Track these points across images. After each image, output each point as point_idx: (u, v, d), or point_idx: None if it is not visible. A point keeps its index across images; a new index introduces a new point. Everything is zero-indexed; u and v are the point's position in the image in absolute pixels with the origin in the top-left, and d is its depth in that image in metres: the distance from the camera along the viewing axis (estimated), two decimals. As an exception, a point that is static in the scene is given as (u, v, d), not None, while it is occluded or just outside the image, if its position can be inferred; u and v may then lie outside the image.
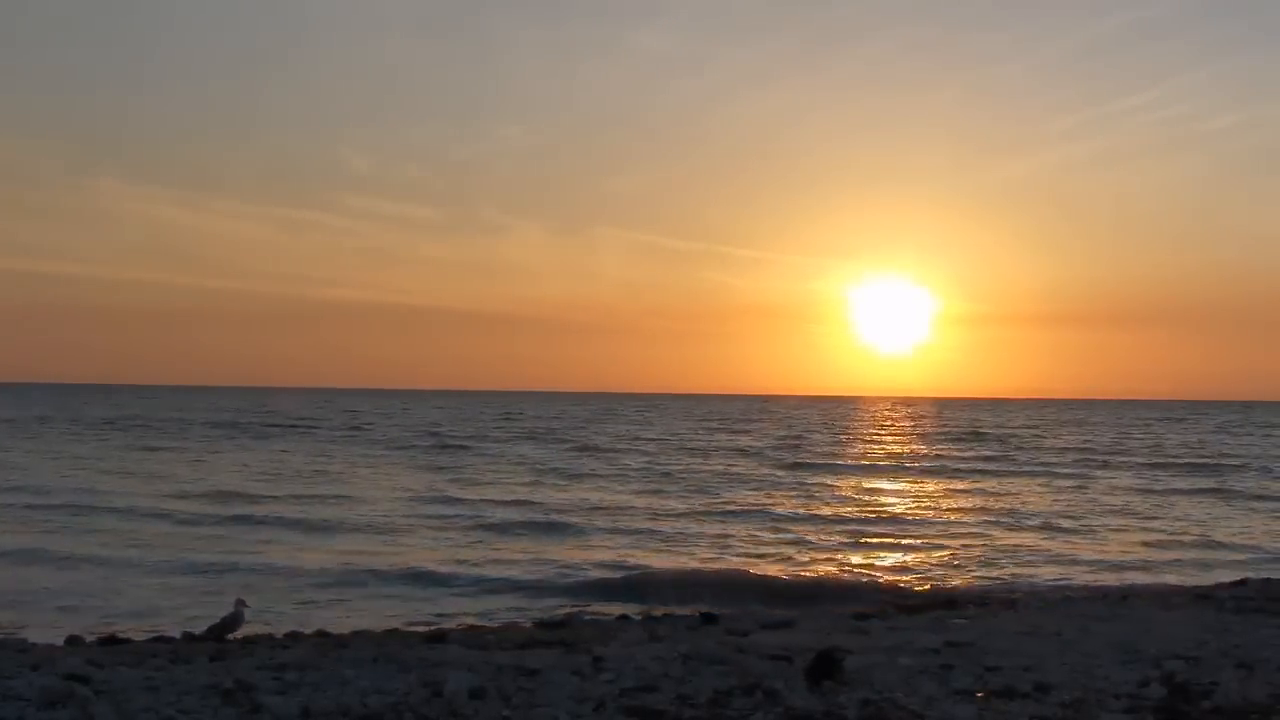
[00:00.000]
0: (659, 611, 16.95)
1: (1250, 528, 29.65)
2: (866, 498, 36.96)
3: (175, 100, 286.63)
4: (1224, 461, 53.41)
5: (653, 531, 27.38)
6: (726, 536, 26.68)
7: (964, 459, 55.32)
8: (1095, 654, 10.34)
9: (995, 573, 22.05)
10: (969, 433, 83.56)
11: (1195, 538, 27.35)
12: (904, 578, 21.63)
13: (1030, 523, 29.64)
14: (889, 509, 33.77)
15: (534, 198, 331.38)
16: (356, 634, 13.78)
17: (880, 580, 21.28)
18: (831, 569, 22.59)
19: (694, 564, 22.44)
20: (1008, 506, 33.60)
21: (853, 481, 43.16)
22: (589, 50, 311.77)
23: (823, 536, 27.06)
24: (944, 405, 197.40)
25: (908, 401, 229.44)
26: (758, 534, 27.27)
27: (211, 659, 10.51)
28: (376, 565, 21.67)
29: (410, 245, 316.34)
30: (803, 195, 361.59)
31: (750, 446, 63.58)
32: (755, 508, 32.74)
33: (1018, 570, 22.26)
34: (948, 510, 33.14)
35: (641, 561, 22.85)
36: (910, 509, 33.82)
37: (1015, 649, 10.64)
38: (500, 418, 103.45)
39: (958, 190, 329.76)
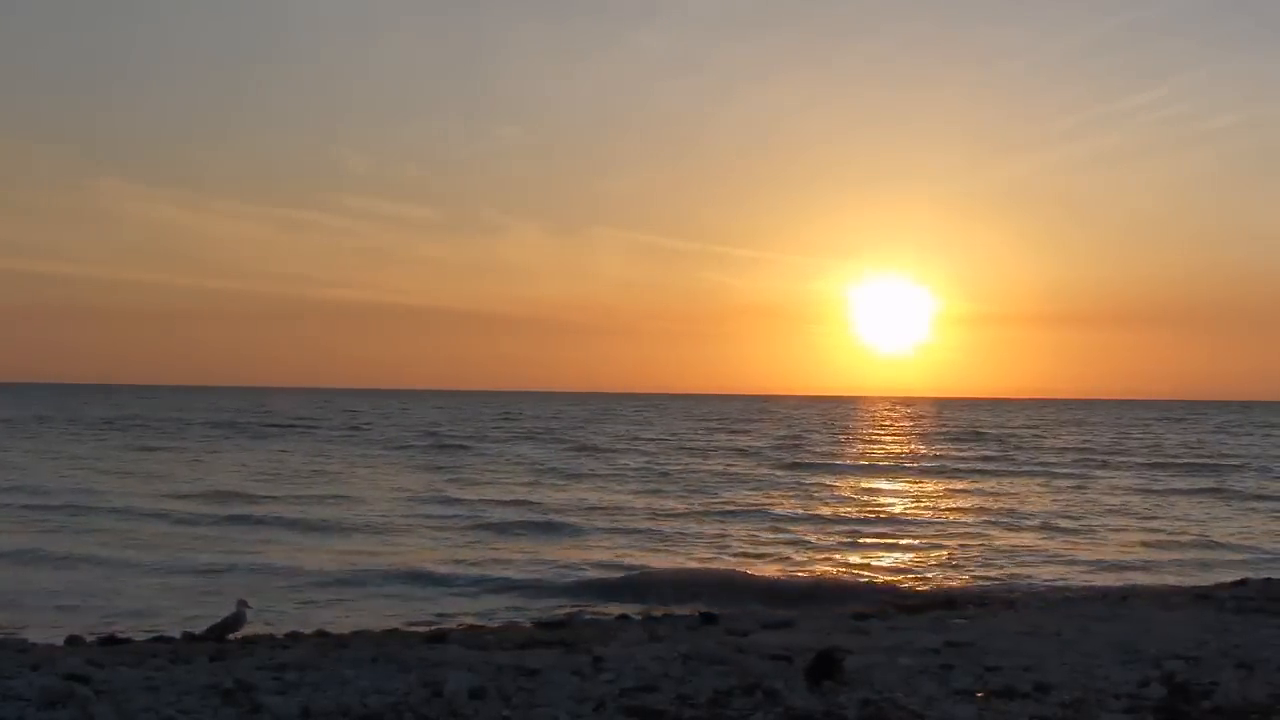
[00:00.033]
0: (659, 611, 16.95)
1: (1250, 528, 29.66)
2: (866, 498, 36.96)
3: (175, 100, 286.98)
4: (1224, 461, 53.43)
5: (652, 531, 27.38)
6: (726, 536, 26.68)
7: (963, 459, 55.32)
8: (1095, 654, 10.34)
9: (995, 573, 22.04)
10: (969, 433, 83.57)
11: (1195, 538, 27.36)
12: (904, 578, 21.63)
13: (1030, 523, 29.64)
14: (888, 509, 33.77)
15: (532, 197, 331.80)
16: (356, 634, 13.78)
17: (880, 580, 21.28)
18: (831, 569, 22.59)
19: (693, 564, 22.44)
20: (1007, 507, 33.60)
21: (852, 481, 43.16)
22: (588, 50, 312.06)
23: (822, 536, 27.06)
24: (944, 405, 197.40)
25: (907, 401, 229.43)
26: (757, 534, 27.26)
27: (211, 659, 10.51)
28: (376, 565, 21.67)
29: (409, 245, 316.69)
30: (802, 195, 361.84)
31: (749, 446, 63.58)
32: (754, 508, 32.74)
33: (1017, 570, 22.26)
34: (947, 510, 33.14)
35: (641, 561, 22.85)
36: (910, 509, 33.82)
37: (1015, 649, 10.64)
38: (499, 418, 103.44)
39: (958, 189, 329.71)
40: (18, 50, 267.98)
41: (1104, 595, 17.43)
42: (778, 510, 32.22)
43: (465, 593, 19.65)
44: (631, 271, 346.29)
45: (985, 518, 30.87)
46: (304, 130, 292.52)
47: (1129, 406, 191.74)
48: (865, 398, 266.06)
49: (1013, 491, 38.60)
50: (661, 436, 73.50)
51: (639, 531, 27.39)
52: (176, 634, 14.11)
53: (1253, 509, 34.02)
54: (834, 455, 58.52)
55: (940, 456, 57.63)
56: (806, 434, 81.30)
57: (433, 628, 14.93)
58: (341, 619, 16.32)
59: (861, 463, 53.31)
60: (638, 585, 19.98)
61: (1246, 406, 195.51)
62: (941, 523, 30.04)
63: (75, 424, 78.12)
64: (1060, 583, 20.61)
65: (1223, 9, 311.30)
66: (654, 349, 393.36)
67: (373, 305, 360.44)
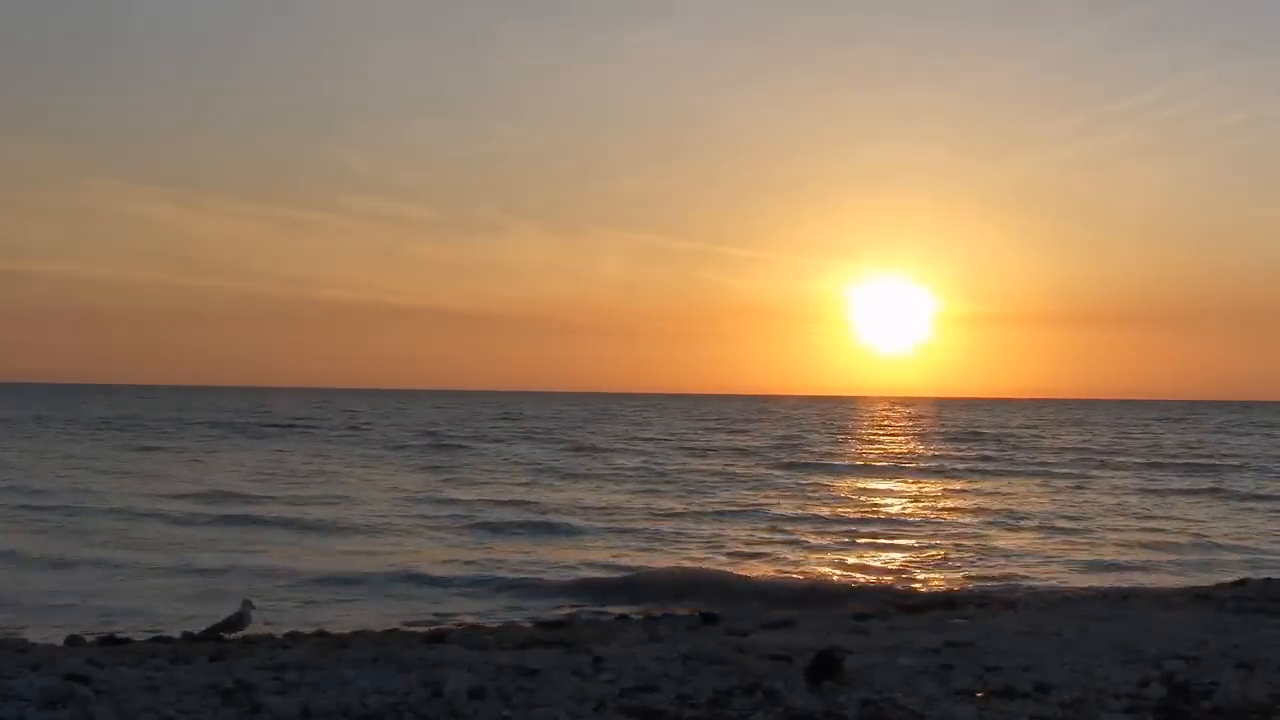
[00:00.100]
0: (658, 611, 16.96)
1: (1249, 528, 29.67)
2: (865, 498, 36.97)
3: (174, 100, 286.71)
4: (1223, 461, 53.45)
5: (651, 531, 27.39)
6: (725, 536, 26.68)
7: (963, 459, 55.34)
8: (1095, 654, 10.34)
9: (995, 573, 22.05)
10: (968, 433, 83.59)
11: (1195, 538, 27.36)
12: (904, 578, 21.63)
13: (1029, 523, 29.66)
14: (888, 509, 33.78)
15: (532, 198, 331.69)
16: (356, 634, 13.78)
17: (880, 580, 21.28)
18: (830, 569, 22.60)
19: (693, 564, 22.43)
20: (1007, 507, 33.61)
21: (851, 482, 43.17)
22: (588, 50, 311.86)
23: (821, 537, 27.06)
24: (944, 405, 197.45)
25: (907, 402, 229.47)
26: (756, 534, 27.27)
27: (211, 659, 10.50)
28: (376, 565, 21.66)
29: (409, 245, 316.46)
30: (802, 195, 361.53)
31: (748, 446, 63.59)
32: (753, 508, 32.74)
33: (1017, 570, 22.27)
34: (947, 510, 33.15)
35: (640, 561, 22.86)
36: (909, 509, 33.83)
37: (1015, 649, 10.64)
38: (498, 417, 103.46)
39: (959, 189, 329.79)
40: (18, 50, 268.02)
41: (1104, 595, 17.43)
42: (777, 510, 32.21)
43: (465, 593, 19.65)
44: (632, 271, 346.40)
45: (985, 518, 30.88)
46: (304, 130, 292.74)
47: (1129, 406, 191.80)
48: (865, 398, 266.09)
49: (1012, 492, 38.61)
50: (660, 436, 73.51)
51: (638, 531, 27.40)
52: (176, 634, 14.11)
53: (1252, 509, 34.04)
54: (833, 455, 58.53)
55: (940, 456, 57.64)
56: (806, 434, 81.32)
57: (433, 628, 14.92)
58: (341, 619, 16.32)
59: (861, 463, 53.31)
60: (636, 585, 19.99)
61: (1247, 406, 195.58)
62: (941, 523, 30.04)
63: (73, 424, 78.11)
64: (1060, 583, 20.63)
65: (1225, 8, 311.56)
66: (654, 349, 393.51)
67: (373, 305, 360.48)
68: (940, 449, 64.48)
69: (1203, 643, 10.95)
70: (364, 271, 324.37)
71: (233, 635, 13.03)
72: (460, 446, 59.82)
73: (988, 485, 41.19)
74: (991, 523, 29.81)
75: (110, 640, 13.51)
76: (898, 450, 63.85)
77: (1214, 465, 51.03)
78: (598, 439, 68.88)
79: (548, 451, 57.20)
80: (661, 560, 23.03)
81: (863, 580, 21.22)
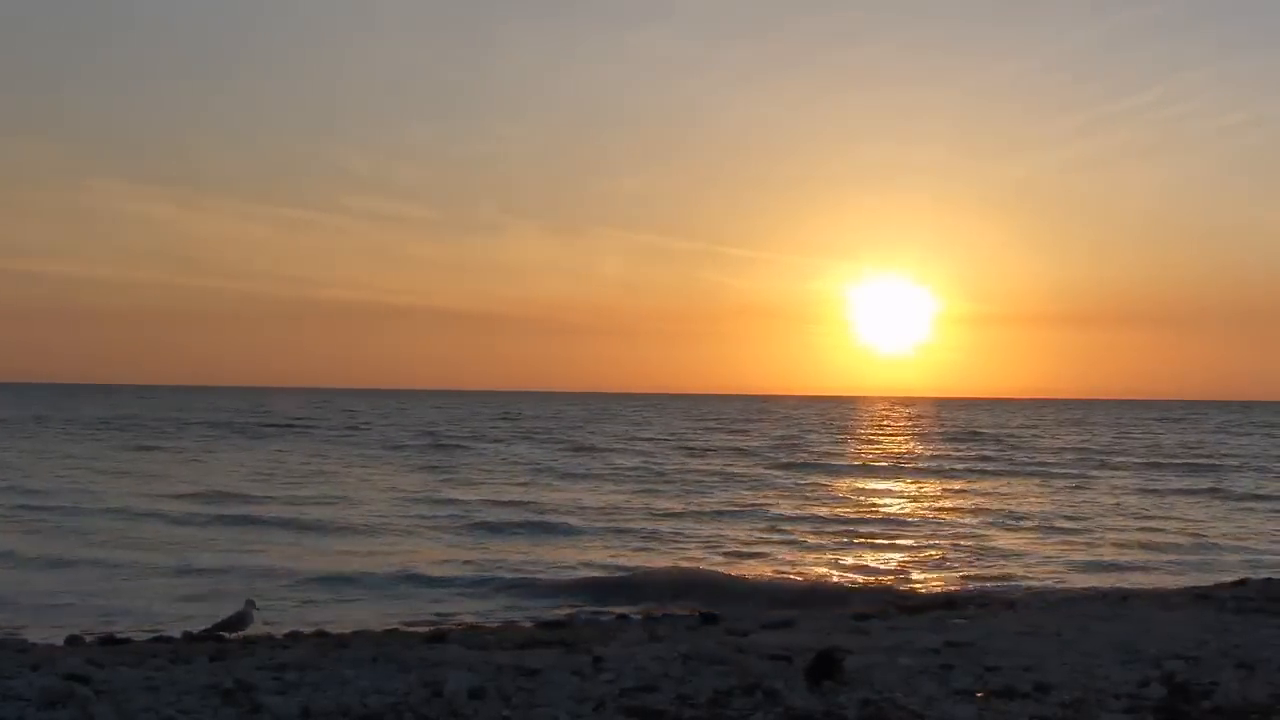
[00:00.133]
0: (658, 611, 16.97)
1: (1249, 528, 29.67)
2: (865, 498, 36.97)
3: (175, 100, 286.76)
4: (1223, 461, 53.46)
5: (650, 531, 27.38)
6: (725, 537, 26.67)
7: (963, 459, 55.35)
8: (1095, 654, 10.33)
9: (995, 573, 22.05)
10: (968, 433, 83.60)
11: (1195, 538, 27.37)
12: (904, 578, 21.63)
13: (1029, 523, 29.66)
14: (888, 509, 33.78)
15: (532, 197, 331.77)
16: (356, 634, 13.77)
17: (880, 580, 21.28)
18: (830, 569, 22.60)
19: (692, 564, 22.43)
20: (1006, 507, 33.61)
21: (851, 482, 43.17)
22: (588, 50, 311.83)
23: (821, 537, 27.07)
24: (944, 405, 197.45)
25: (907, 402, 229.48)
26: (756, 534, 27.27)
27: (211, 659, 10.50)
28: (375, 565, 21.66)
29: (409, 245, 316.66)
30: (802, 194, 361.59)
31: (748, 447, 63.59)
32: (753, 508, 32.74)
33: (1017, 570, 22.27)
34: (947, 510, 33.15)
35: (639, 561, 22.86)
36: (909, 509, 33.83)
37: (1015, 649, 10.64)
38: (497, 418, 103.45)
39: (959, 189, 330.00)
40: (18, 50, 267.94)
41: (1104, 595, 17.42)
42: (776, 510, 32.21)
43: (465, 593, 19.65)
44: (632, 271, 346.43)
45: (985, 518, 30.88)
46: (304, 130, 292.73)
47: (1129, 406, 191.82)
48: (865, 398, 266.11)
49: (1012, 492, 38.62)
50: (660, 436, 73.51)
51: (637, 532, 27.39)
52: (176, 634, 14.11)
53: (1252, 509, 34.05)
54: (833, 455, 58.53)
55: (939, 456, 57.66)
56: (805, 434, 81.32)
57: (433, 628, 14.92)
58: (341, 619, 16.32)
59: (860, 463, 53.31)
60: (636, 585, 19.99)
61: (1247, 406, 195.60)
62: (941, 523, 30.04)
63: (73, 424, 78.10)
64: (1060, 583, 20.62)
65: (1225, 8, 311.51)
66: (653, 349, 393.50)
67: (372, 305, 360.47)
68: (940, 449, 64.48)
69: (1203, 643, 10.95)
70: (364, 271, 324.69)
71: (235, 634, 13.04)
72: (460, 446, 59.83)
73: (987, 485, 41.20)
74: (991, 523, 29.81)
75: (110, 640, 13.51)
76: (897, 450, 63.85)
77: (1213, 465, 51.04)
78: (597, 439, 68.88)
79: (547, 451, 57.19)
80: (661, 560, 23.03)
81: (862, 580, 21.22)
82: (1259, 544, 26.63)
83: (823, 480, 43.28)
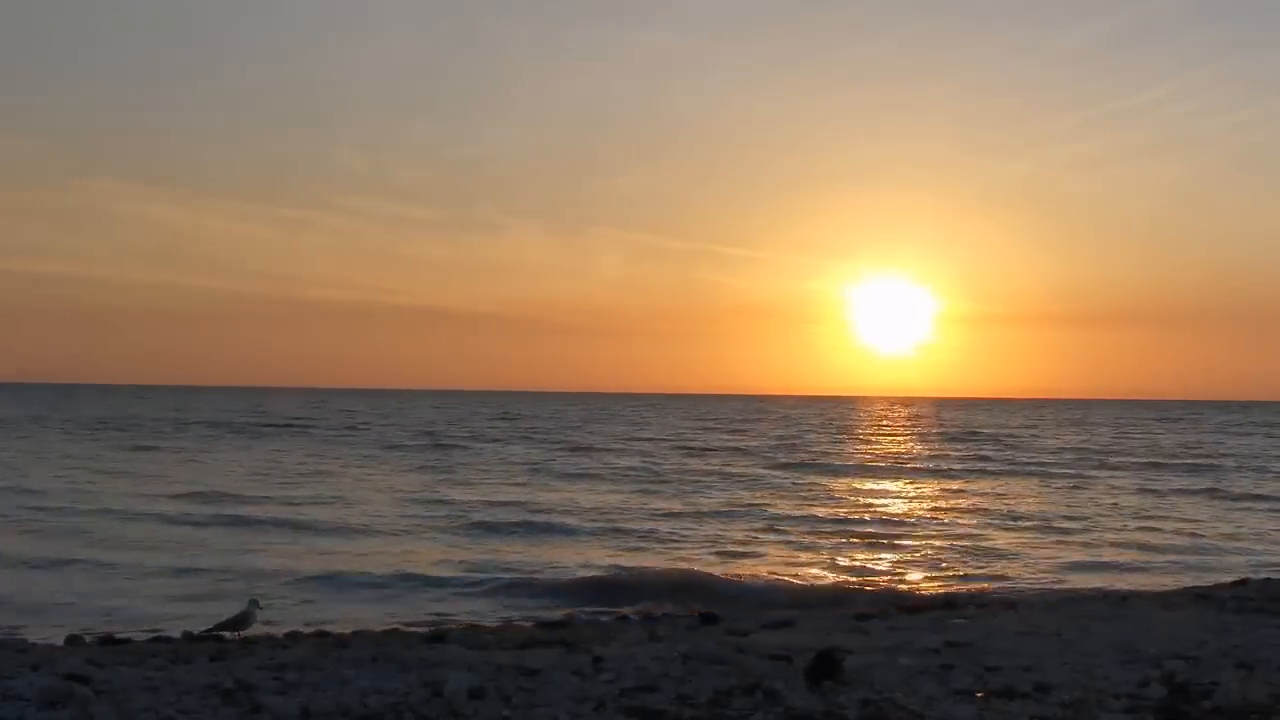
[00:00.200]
0: (658, 611, 16.97)
1: (1249, 528, 29.68)
2: (864, 498, 36.97)
3: (174, 100, 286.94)
4: (1223, 461, 53.47)
5: (650, 532, 27.38)
6: (723, 537, 26.67)
7: (963, 459, 55.36)
8: (1095, 654, 10.34)
9: (994, 573, 22.06)
10: (967, 433, 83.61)
11: (1194, 538, 27.37)
12: (904, 578, 21.63)
13: (1029, 523, 29.66)
14: (887, 509, 33.78)
15: (531, 198, 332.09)
16: (356, 634, 13.77)
17: (880, 580, 21.28)
18: (830, 569, 22.59)
19: (692, 564, 22.43)
20: (1006, 506, 33.62)
21: (850, 482, 43.17)
22: (588, 50, 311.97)
23: (820, 537, 27.06)
24: (943, 405, 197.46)
25: (907, 402, 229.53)
26: (755, 534, 27.26)
27: (211, 659, 10.50)
28: (374, 565, 21.65)
29: (408, 245, 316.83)
30: (802, 194, 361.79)
31: (747, 447, 63.59)
32: (752, 508, 32.74)
33: (1017, 570, 22.27)
34: (946, 510, 33.16)
35: (638, 561, 22.86)
36: (909, 509, 33.83)
37: (1015, 649, 10.64)
38: (496, 418, 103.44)
39: (959, 188, 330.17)
40: (18, 50, 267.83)
41: (1104, 595, 17.43)
42: (775, 510, 32.21)
43: (464, 593, 19.64)
44: (631, 271, 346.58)
45: (985, 518, 30.89)
46: (303, 130, 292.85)
47: (1129, 406, 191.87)
48: (864, 398, 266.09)
49: (1012, 491, 38.62)
50: (659, 436, 73.51)
51: (636, 532, 27.39)
52: (176, 634, 14.10)
53: (1251, 509, 34.06)
54: (832, 456, 58.52)
55: (939, 456, 57.66)
56: (804, 434, 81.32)
57: (433, 628, 14.91)
58: (341, 619, 16.32)
59: (860, 463, 53.31)
60: (635, 585, 19.98)
61: (1246, 406, 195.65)
62: (940, 523, 30.05)
63: (71, 424, 78.06)
64: (1060, 583, 20.63)
65: (1234, 5, 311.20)
66: (652, 349, 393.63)
67: (370, 305, 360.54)
68: (939, 449, 64.50)
69: (1203, 643, 10.95)
70: (362, 271, 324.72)
71: (237, 634, 13.04)
72: (458, 446, 59.83)
73: (987, 485, 41.21)
74: (991, 523, 29.81)
75: (110, 640, 13.51)
76: (897, 450, 63.86)
77: (1214, 465, 51.05)
78: (595, 439, 68.87)
79: (545, 451, 57.19)
80: (660, 560, 23.03)
81: (862, 580, 21.22)
82: (1259, 544, 26.63)
83: (821, 480, 43.27)
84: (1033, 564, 23.06)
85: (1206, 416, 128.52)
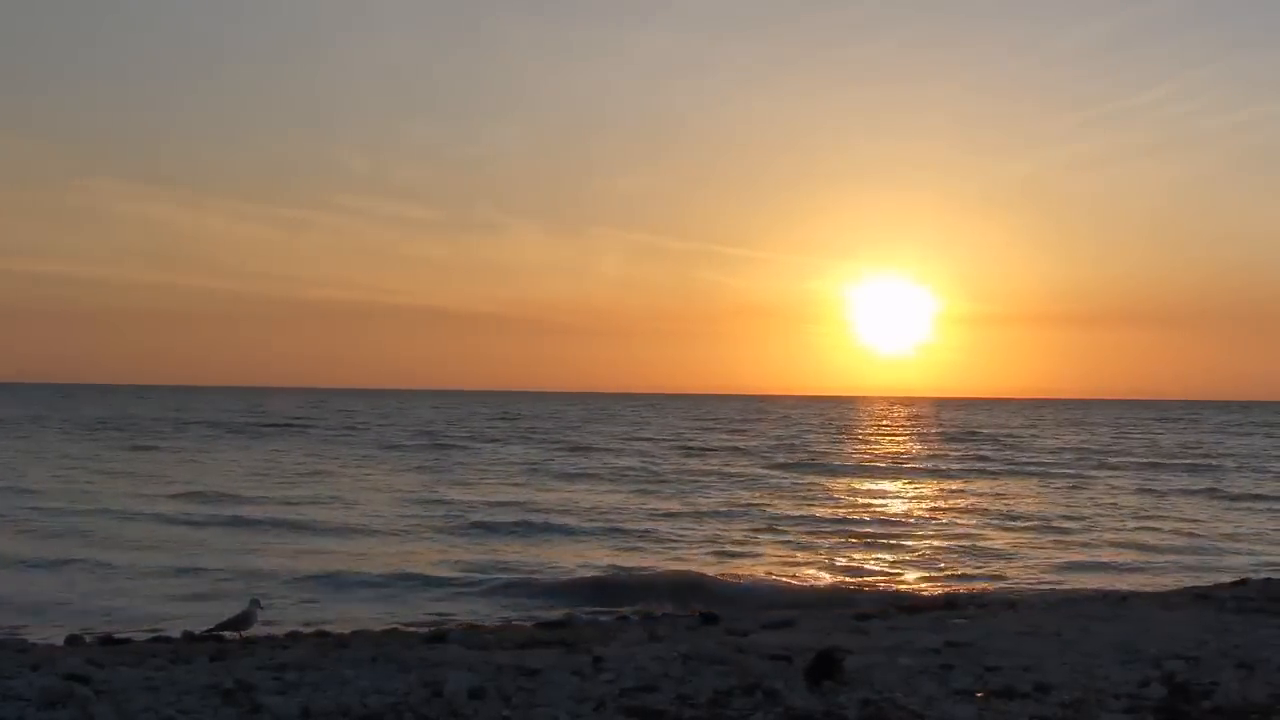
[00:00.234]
0: (658, 611, 16.97)
1: (1249, 528, 29.68)
2: (864, 498, 36.97)
3: (175, 100, 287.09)
4: (1223, 461, 53.48)
5: (649, 532, 27.38)
6: (723, 537, 26.67)
7: (962, 459, 55.36)
8: (1095, 654, 10.33)
9: (995, 573, 22.06)
10: (967, 433, 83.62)
11: (1194, 538, 27.38)
12: (903, 578, 21.63)
13: (1029, 523, 29.67)
14: (887, 509, 33.78)
15: (531, 197, 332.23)
16: (356, 634, 13.77)
17: (880, 580, 21.28)
18: (829, 570, 22.59)
19: (691, 564, 22.43)
20: (1006, 507, 33.63)
21: (850, 482, 43.17)
22: (588, 50, 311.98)
23: (820, 537, 27.06)
24: (943, 405, 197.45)
25: (907, 402, 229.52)
26: (755, 534, 27.26)
27: (211, 659, 10.50)
28: (374, 566, 21.65)
29: (408, 245, 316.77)
30: (802, 194, 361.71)
31: (746, 447, 63.59)
32: (752, 508, 32.74)
33: (1016, 570, 22.28)
34: (946, 510, 33.16)
35: (638, 561, 22.86)
36: (908, 509, 33.83)
37: (1015, 649, 10.64)
38: (495, 418, 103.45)
39: (959, 189, 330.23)
40: (18, 50, 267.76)
41: (1104, 595, 17.43)
42: (774, 511, 32.22)
43: (464, 593, 19.64)
44: (630, 271, 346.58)
45: (984, 518, 30.90)
46: (304, 130, 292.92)
47: (1129, 407, 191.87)
48: (864, 398, 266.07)
49: (1012, 492, 38.62)
50: (658, 437, 73.51)
51: (635, 532, 27.39)
52: (176, 634, 14.10)
53: (1251, 508, 34.07)
54: (832, 456, 58.52)
55: (939, 457, 57.66)
56: (804, 434, 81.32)
57: (432, 628, 14.91)
58: (341, 619, 16.32)
59: (860, 463, 53.30)
60: (636, 586, 19.99)
61: (1246, 406, 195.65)
62: (940, 523, 30.05)
63: (70, 424, 78.03)
64: (1060, 583, 20.62)
65: (1235, 5, 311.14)
66: (652, 349, 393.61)
67: (370, 305, 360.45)
68: (939, 449, 64.50)
69: (1203, 643, 10.95)
70: (361, 271, 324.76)
71: (238, 634, 13.04)
72: (457, 446, 59.82)
73: (986, 485, 41.21)
74: (990, 523, 29.82)
75: (110, 640, 13.50)
76: (896, 451, 63.86)
77: (1213, 465, 51.06)
78: (595, 439, 68.88)
79: (546, 452, 57.19)
80: (659, 560, 23.03)
81: (862, 580, 21.22)
82: (1258, 544, 26.63)
83: (821, 480, 43.27)
84: (1032, 564, 23.06)
85: (1206, 416, 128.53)
